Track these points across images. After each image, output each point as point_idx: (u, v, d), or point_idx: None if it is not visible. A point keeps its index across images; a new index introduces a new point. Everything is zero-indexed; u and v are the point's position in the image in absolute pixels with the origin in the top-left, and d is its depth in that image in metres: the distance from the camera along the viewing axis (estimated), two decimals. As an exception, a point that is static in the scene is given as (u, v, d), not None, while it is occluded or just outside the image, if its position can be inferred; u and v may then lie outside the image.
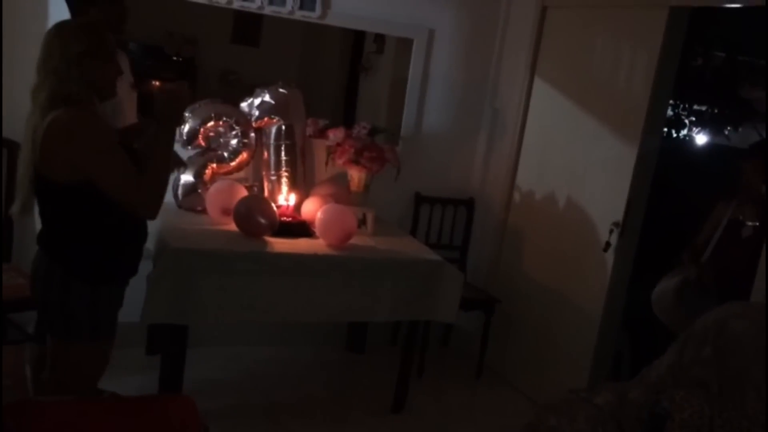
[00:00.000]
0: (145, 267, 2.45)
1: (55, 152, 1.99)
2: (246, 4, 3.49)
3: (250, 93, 3.38)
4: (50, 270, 2.12)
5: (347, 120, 4.27)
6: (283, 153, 3.31)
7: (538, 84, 3.81)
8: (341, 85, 5.63)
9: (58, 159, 2.00)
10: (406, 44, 3.99)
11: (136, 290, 2.41)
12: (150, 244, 2.65)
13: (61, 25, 2.09)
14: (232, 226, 2.98)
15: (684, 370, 2.24)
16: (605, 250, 3.29)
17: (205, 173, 3.22)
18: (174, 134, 2.19)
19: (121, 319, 2.27)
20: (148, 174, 2.08)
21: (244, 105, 3.35)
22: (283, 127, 3.31)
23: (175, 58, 5.67)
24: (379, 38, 4.70)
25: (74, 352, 2.16)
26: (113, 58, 2.11)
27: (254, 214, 2.94)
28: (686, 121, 5.55)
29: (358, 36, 5.21)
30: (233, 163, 3.28)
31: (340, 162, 3.44)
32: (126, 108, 2.80)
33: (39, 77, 2.02)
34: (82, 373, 2.21)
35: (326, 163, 3.54)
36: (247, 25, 5.51)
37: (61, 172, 2.01)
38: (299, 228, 3.13)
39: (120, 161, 2.03)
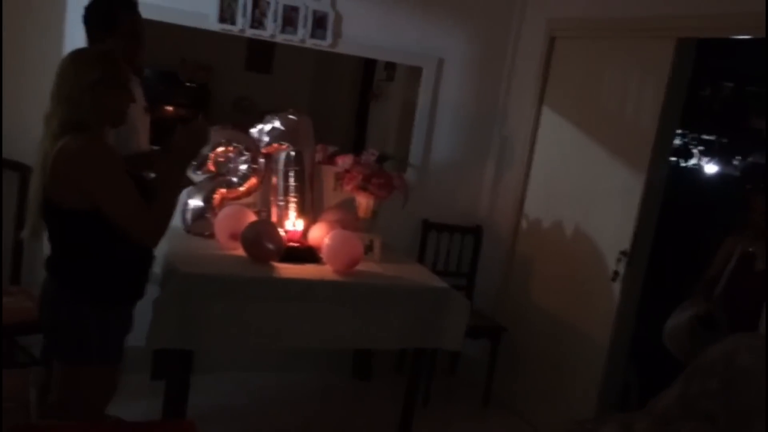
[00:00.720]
0: (152, 291, 2.46)
1: (64, 178, 2.02)
2: (258, 32, 3.55)
3: (262, 119, 3.42)
4: (59, 293, 2.14)
5: (357, 146, 4.31)
6: (291, 179, 3.33)
7: (546, 113, 3.84)
8: (352, 112, 5.68)
9: (67, 185, 2.03)
10: (416, 72, 4.03)
11: (142, 315, 2.41)
12: (157, 269, 2.66)
13: (76, 53, 2.12)
14: (240, 251, 2.99)
15: (691, 401, 2.21)
16: (614, 279, 3.28)
17: (214, 198, 3.25)
18: (186, 170, 2.27)
19: (127, 343, 2.28)
20: (155, 205, 2.10)
21: (254, 131, 3.39)
22: (292, 154, 3.33)
23: (188, 84, 5.75)
24: (390, 66, 4.75)
25: (83, 375, 2.17)
26: (126, 86, 2.14)
27: (262, 240, 2.95)
28: (694, 151, 5.56)
29: (369, 64, 5.27)
30: (242, 189, 3.30)
31: (348, 188, 3.45)
32: (140, 132, 2.83)
33: (52, 103, 2.05)
34: (90, 399, 2.21)
35: (334, 189, 3.55)
36: (260, 53, 5.59)
37: (69, 197, 2.04)
38: (306, 253, 3.14)
39: (127, 190, 2.06)
